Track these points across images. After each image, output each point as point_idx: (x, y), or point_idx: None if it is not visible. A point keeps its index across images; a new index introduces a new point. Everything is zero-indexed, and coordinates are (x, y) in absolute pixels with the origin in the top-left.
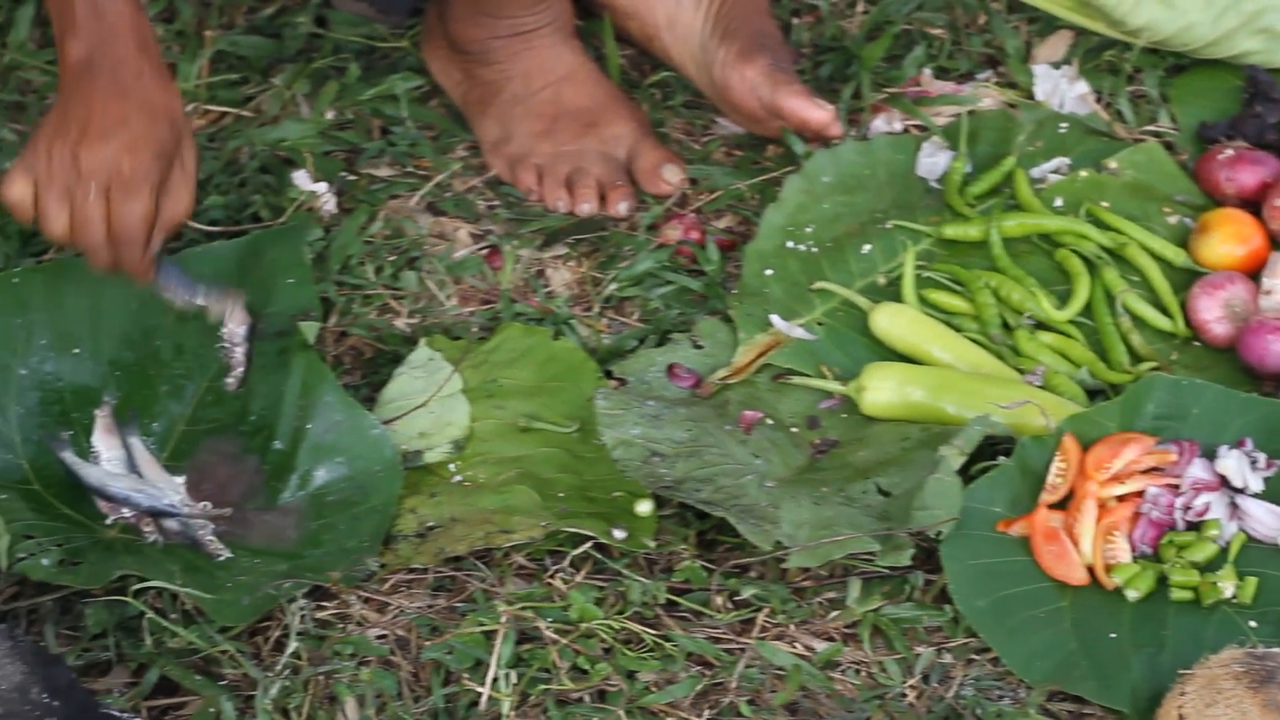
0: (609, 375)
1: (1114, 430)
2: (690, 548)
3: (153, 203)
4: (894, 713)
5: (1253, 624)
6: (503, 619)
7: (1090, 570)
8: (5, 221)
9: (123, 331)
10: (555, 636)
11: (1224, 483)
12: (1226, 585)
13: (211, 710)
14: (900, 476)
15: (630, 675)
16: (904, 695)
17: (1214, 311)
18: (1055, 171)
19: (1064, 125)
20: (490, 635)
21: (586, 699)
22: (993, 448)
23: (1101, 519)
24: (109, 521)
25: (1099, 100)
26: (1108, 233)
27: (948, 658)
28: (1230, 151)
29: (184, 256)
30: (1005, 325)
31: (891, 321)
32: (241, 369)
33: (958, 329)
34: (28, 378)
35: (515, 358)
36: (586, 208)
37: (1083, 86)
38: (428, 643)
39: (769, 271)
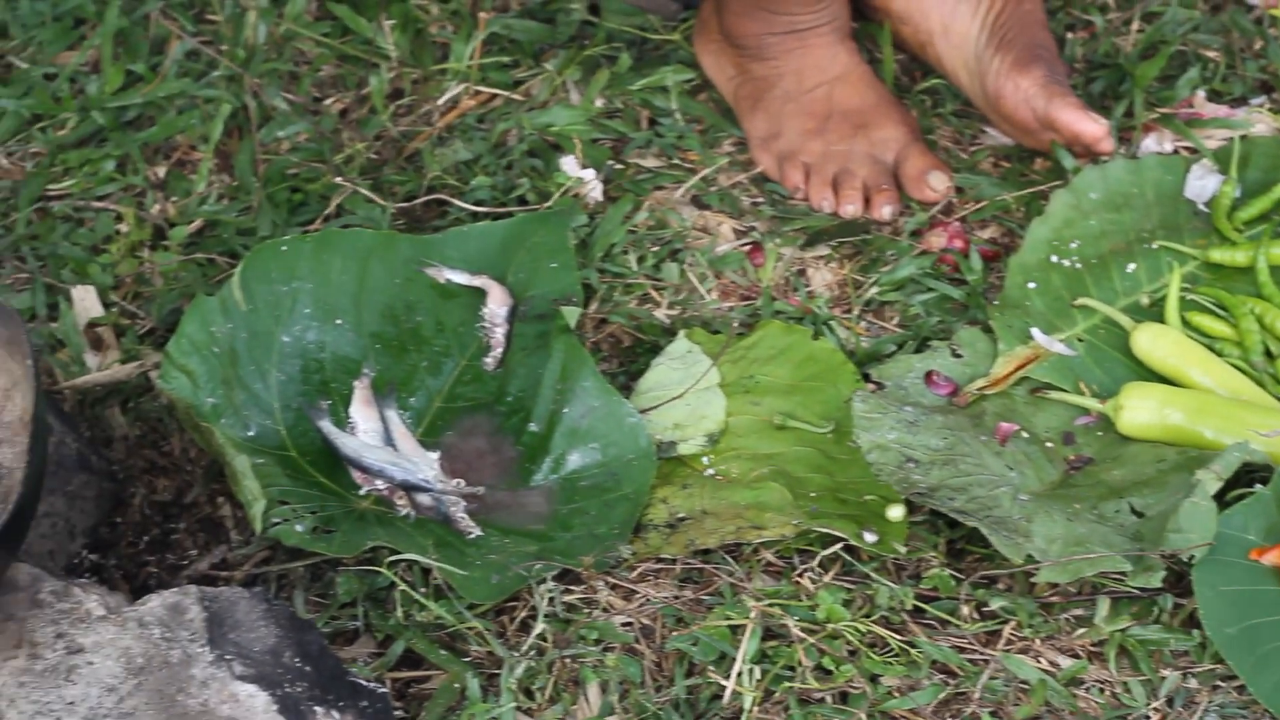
0: (866, 378)
1: None
2: (939, 555)
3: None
4: None
5: None
6: (751, 614)
7: None
8: (274, 190)
9: (385, 305)
10: (802, 635)
11: None
12: None
13: (456, 685)
14: (1154, 498)
15: (874, 679)
16: (1148, 718)
17: None
18: None
19: None
20: (736, 630)
21: (829, 700)
22: (1250, 475)
23: None
24: (362, 492)
25: None
26: None
27: (1193, 683)
28: None
29: (450, 235)
30: (1268, 353)
31: (1154, 342)
32: (501, 349)
33: (1219, 354)
34: (290, 345)
35: (773, 355)
36: (851, 209)
37: None
38: (673, 633)
39: (1032, 285)
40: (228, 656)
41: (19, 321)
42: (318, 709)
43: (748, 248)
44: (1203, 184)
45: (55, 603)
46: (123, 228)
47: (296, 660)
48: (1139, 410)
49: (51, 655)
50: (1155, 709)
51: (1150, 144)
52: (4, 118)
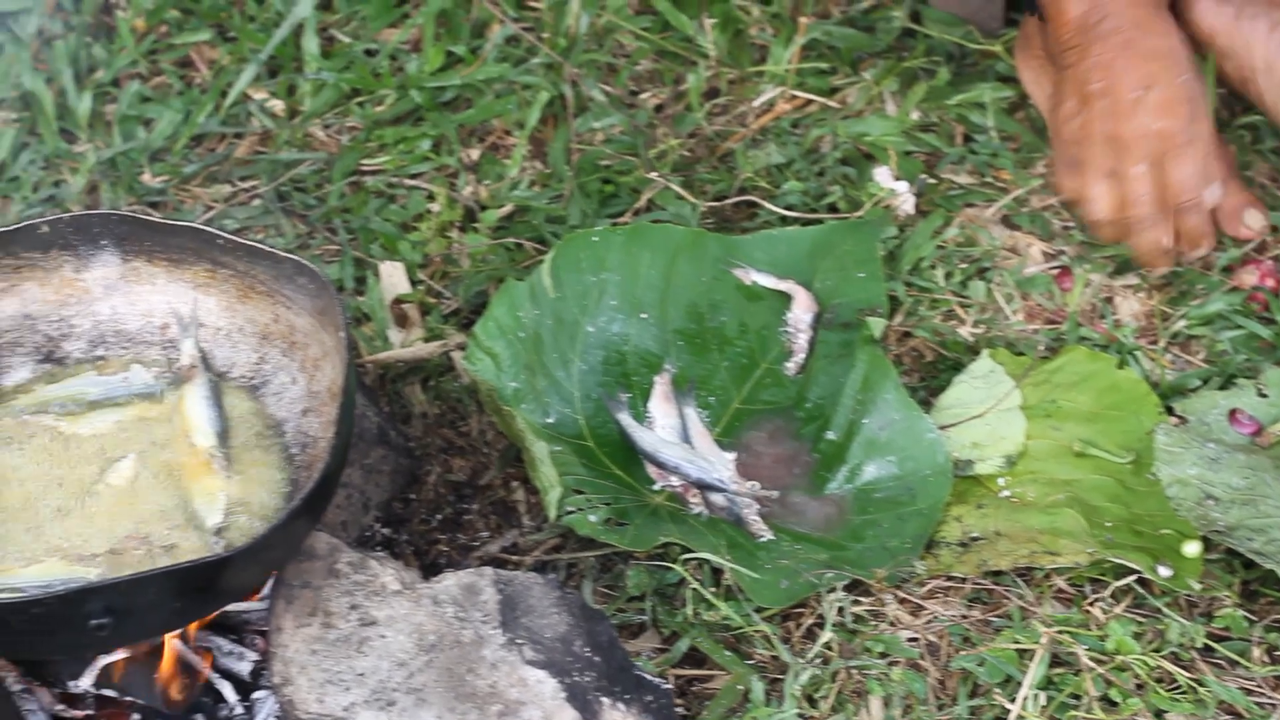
0: (1169, 411)
1: None
2: (1233, 595)
3: (1206, 156)
4: None
5: None
6: (1040, 639)
7: None
8: (586, 180)
9: (690, 302)
10: (1090, 664)
11: None
12: None
13: (740, 688)
14: None
15: (1159, 714)
16: None
17: None
18: None
19: None
20: (1023, 654)
21: None
22: None
23: None
24: (656, 487)
25: None
26: None
27: None
28: None
29: (758, 237)
30: None
31: None
32: (803, 355)
33: None
34: (594, 336)
35: (1077, 381)
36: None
37: None
38: (959, 652)
39: None
40: (519, 640)
41: (333, 293)
42: (604, 700)
43: (1056, 271)
44: None
45: (351, 574)
46: (434, 207)
47: (586, 650)
48: None
49: (344, 626)
50: None
51: None
52: (323, 90)
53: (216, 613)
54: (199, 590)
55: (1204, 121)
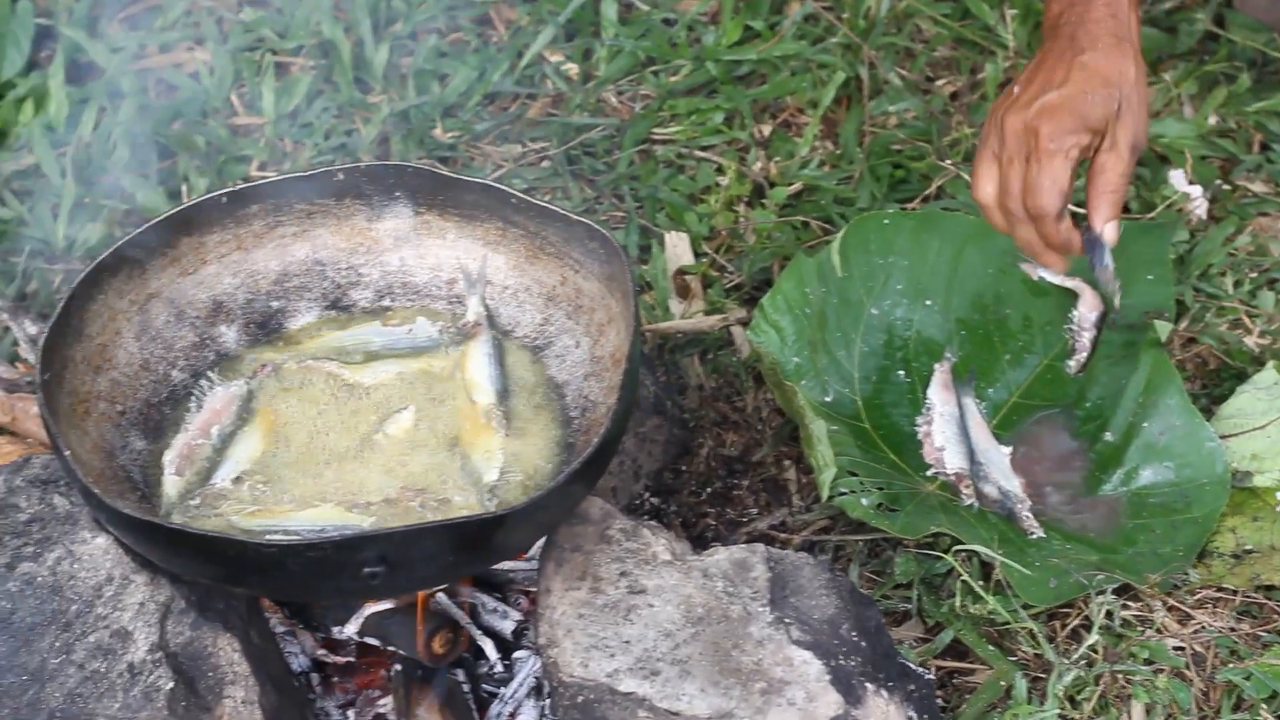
0: None
1: None
2: None
3: (1067, 174)
4: None
5: None
6: None
7: None
8: (876, 163)
9: (976, 292)
10: None
11: None
12: None
13: (1002, 683)
14: None
15: None
16: None
17: None
18: None
19: None
20: None
21: None
22: None
23: None
24: (929, 474)
25: None
26: None
27: None
28: None
29: None
30: None
31: None
32: (1085, 354)
33: None
34: (877, 318)
35: None
36: None
37: None
38: (1225, 664)
39: None
40: (787, 620)
41: (623, 260)
42: (869, 685)
43: None
44: None
45: (623, 541)
46: (723, 180)
47: (853, 634)
48: None
49: (613, 592)
50: None
51: None
52: (619, 56)
53: (485, 569)
54: (472, 546)
55: (1085, 138)
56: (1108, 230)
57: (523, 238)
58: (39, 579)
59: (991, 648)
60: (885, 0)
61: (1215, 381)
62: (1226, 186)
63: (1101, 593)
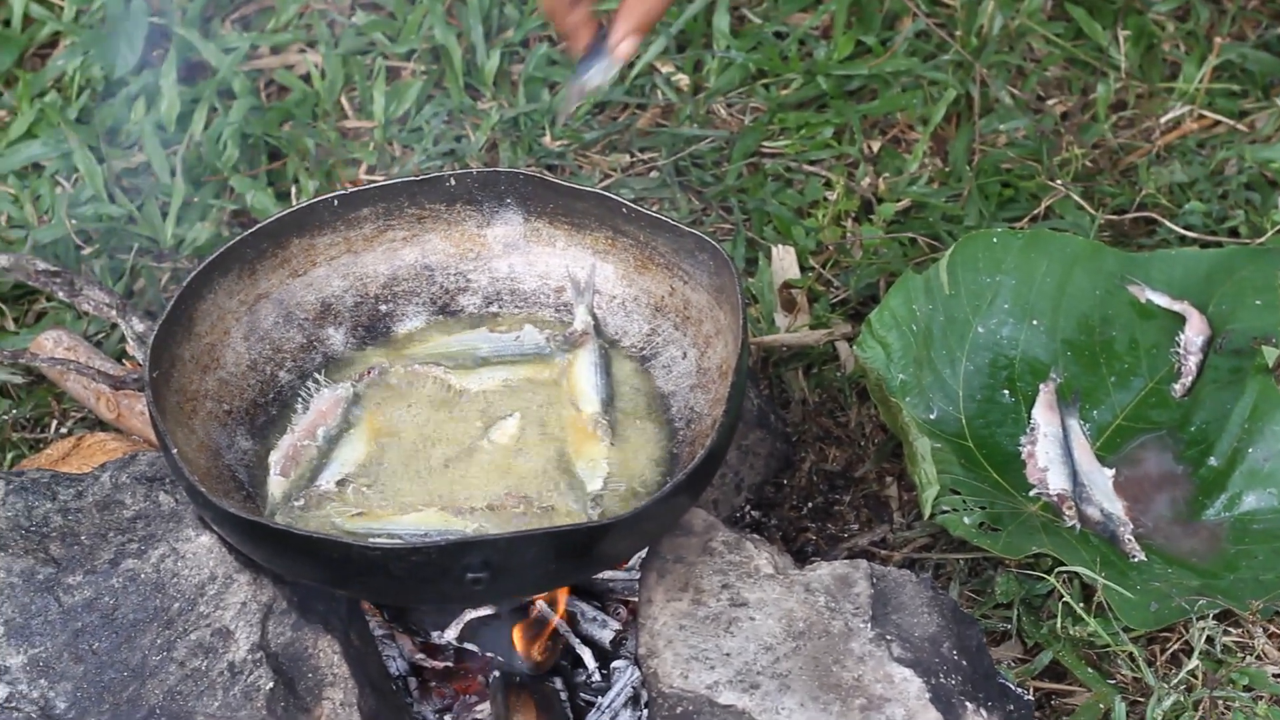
0: None
1: None
2: None
3: None
4: None
5: None
6: None
7: None
8: (985, 181)
9: (1082, 314)
10: None
11: None
12: None
13: (1101, 707)
14: None
15: None
16: None
17: None
18: None
19: None
20: None
21: None
22: None
23: None
24: (1031, 494)
25: None
26: None
27: None
28: None
29: (1156, 256)
30: None
31: None
32: (1191, 378)
33: None
34: (983, 337)
35: None
36: None
37: None
38: None
39: None
40: (888, 637)
41: (732, 272)
42: (969, 704)
43: None
44: None
45: (726, 553)
46: (831, 195)
47: (954, 653)
48: None
49: (715, 604)
50: None
51: None
52: (730, 69)
53: (587, 578)
54: (575, 555)
55: None
56: (623, 47)
57: (632, 247)
58: (142, 575)
59: (1091, 670)
60: (998, 18)
61: None
62: None
63: (1203, 618)
